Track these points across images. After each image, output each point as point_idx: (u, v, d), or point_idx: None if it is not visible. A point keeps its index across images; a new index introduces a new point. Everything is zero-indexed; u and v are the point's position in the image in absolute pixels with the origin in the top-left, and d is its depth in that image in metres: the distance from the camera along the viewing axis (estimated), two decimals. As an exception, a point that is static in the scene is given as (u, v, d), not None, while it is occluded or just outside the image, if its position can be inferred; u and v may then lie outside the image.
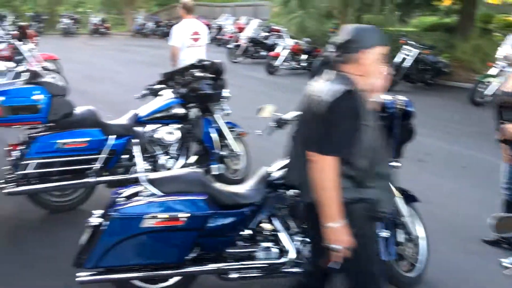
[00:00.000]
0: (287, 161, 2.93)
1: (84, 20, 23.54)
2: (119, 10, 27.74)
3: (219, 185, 2.81)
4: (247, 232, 2.81)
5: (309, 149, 2.06)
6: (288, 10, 14.97)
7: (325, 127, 2.01)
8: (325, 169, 1.99)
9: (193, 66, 4.44)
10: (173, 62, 6.05)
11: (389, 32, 12.54)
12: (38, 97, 3.63)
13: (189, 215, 2.55)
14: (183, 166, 4.25)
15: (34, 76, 3.77)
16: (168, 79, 4.53)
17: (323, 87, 2.10)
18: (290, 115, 3.16)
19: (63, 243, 3.47)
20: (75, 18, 22.64)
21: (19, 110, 3.59)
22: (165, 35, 20.70)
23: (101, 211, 2.64)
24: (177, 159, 4.28)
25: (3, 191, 3.61)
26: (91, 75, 10.64)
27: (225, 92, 4.41)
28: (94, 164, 3.83)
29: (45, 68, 7.78)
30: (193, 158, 4.37)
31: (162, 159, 4.19)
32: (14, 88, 3.70)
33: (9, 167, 3.71)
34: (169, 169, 4.18)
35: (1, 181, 3.68)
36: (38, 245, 3.50)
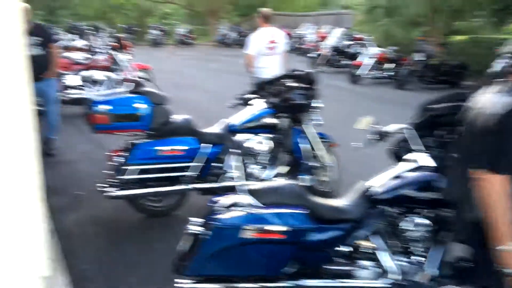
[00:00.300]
0: (386, 175, 2.83)
1: (171, 31, 24.69)
2: (203, 21, 28.78)
3: (317, 199, 2.74)
4: (345, 248, 2.71)
5: (475, 167, 1.93)
6: (373, 18, 14.60)
7: (494, 143, 1.87)
8: (494, 188, 1.85)
9: (285, 76, 4.42)
10: (248, 70, 6.21)
11: (484, 40, 11.81)
12: (141, 106, 3.80)
13: (289, 228, 2.50)
14: (274, 176, 4.24)
15: (137, 86, 3.96)
16: (260, 89, 4.56)
17: (491, 99, 1.95)
18: (392, 127, 3.03)
19: (160, 247, 3.59)
20: (163, 29, 23.78)
21: (123, 118, 3.78)
22: (247, 44, 21.18)
23: (199, 219, 2.67)
24: (267, 169, 4.28)
25: (105, 194, 3.80)
26: (179, 84, 11.07)
27: (317, 102, 4.34)
28: (189, 171, 3.93)
29: (139, 78, 8.22)
30: (282, 169, 4.34)
31: (252, 169, 4.21)
32: (119, 98, 3.90)
33: (110, 171, 3.91)
34: (258, 178, 4.19)
35: (103, 185, 3.89)
36: (137, 248, 3.64)
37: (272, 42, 6.16)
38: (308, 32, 17.65)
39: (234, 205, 2.68)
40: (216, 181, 4.10)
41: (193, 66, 15.36)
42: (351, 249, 2.72)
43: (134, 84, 4.04)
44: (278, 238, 2.52)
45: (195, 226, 2.64)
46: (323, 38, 15.92)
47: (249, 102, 4.40)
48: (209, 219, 2.60)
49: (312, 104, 4.28)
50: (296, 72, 4.38)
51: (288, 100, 4.20)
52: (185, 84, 11.36)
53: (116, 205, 4.17)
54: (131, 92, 3.98)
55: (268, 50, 6.13)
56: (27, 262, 2.48)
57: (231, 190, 4.09)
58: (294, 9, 26.78)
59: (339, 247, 2.69)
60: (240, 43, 21.83)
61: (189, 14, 30.38)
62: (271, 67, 6.14)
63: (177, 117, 4.04)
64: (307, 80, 4.29)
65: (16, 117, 2.32)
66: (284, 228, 2.49)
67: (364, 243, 2.75)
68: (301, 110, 4.25)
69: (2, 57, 2.24)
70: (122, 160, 3.82)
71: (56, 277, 2.66)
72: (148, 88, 3.97)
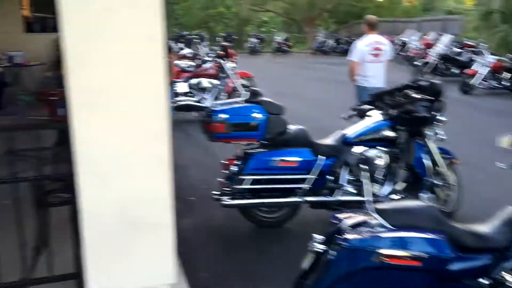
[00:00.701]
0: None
1: (268, 39, 25.05)
2: (300, 29, 28.85)
3: (456, 223, 2.48)
4: (488, 281, 2.42)
5: None
6: (488, 24, 13.52)
7: None
8: None
9: (407, 86, 4.16)
10: (351, 77, 6.21)
11: None
12: (257, 115, 3.78)
13: (426, 255, 2.28)
14: (390, 193, 4.00)
15: (253, 95, 3.94)
16: (377, 100, 4.34)
17: None
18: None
19: (273, 259, 3.53)
20: (261, 37, 24.20)
21: (239, 127, 3.77)
22: (345, 52, 20.87)
23: (322, 237, 2.54)
24: (383, 184, 4.05)
25: (221, 202, 3.82)
26: (279, 91, 11.03)
27: (441, 116, 4.03)
28: (303, 183, 3.83)
29: (243, 85, 8.34)
30: (400, 185, 4.08)
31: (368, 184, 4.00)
32: (236, 107, 3.92)
33: (224, 180, 3.93)
34: (375, 194, 3.98)
35: (218, 193, 3.91)
36: (251, 258, 3.61)
37: (377, 49, 6.13)
38: (412, 39, 16.85)
39: (361, 224, 2.52)
40: (329, 195, 3.96)
41: (291, 74, 15.37)
42: (493, 282, 2.43)
43: (250, 93, 4.01)
44: (413, 265, 2.31)
45: (318, 244, 2.52)
46: (428, 45, 15.13)
47: (366, 114, 4.20)
48: (336, 238, 2.47)
49: (437, 118, 3.97)
50: (419, 83, 4.11)
51: (411, 112, 3.94)
52: (284, 92, 11.33)
53: (227, 213, 4.18)
54: (247, 101, 3.97)
55: (372, 58, 6.09)
56: (156, 269, 2.52)
57: (347, 205, 3.96)
58: (393, 15, 25.86)
59: (482, 279, 2.41)
60: (338, 51, 21.56)
61: (286, 22, 30.63)
62: (375, 75, 6.09)
63: (293, 127, 3.96)
64: (432, 91, 3.99)
65: (155, 125, 2.37)
66: (422, 255, 2.28)
67: (509, 276, 2.44)
68: (424, 123, 3.96)
69: (145, 65, 2.30)
70: (237, 169, 3.82)
71: (181, 284, 2.68)
72: (265, 97, 3.93)
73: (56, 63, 8.34)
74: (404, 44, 17.14)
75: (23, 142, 2.57)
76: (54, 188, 3.19)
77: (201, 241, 3.91)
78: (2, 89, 8.06)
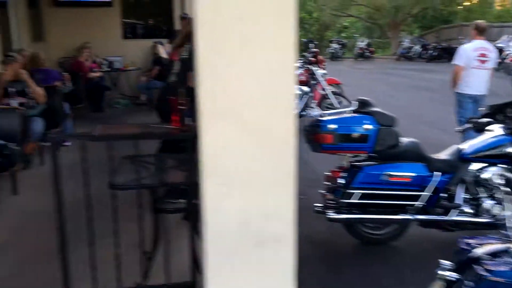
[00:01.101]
0: None
1: (349, 45, 24.57)
2: (382, 34, 28.03)
3: None
4: None
5: None
6: None
7: None
8: None
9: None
10: (453, 82, 6.05)
11: None
12: (368, 126, 3.59)
13: None
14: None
15: (363, 105, 3.76)
16: (496, 112, 3.99)
17: None
18: None
19: (380, 279, 3.35)
20: (343, 43, 23.79)
21: (348, 139, 3.60)
22: (433, 58, 19.98)
23: (451, 263, 2.32)
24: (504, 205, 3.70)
25: (326, 216, 3.67)
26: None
27: None
28: (415, 201, 3.59)
29: (333, 92, 8.16)
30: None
31: (487, 204, 3.67)
32: (346, 117, 3.78)
33: (327, 192, 3.78)
34: (494, 216, 3.64)
35: (320, 205, 3.77)
36: (355, 277, 3.43)
37: (483, 55, 5.95)
38: (510, 45, 15.71)
39: (501, 253, 2.27)
40: (443, 214, 3.69)
41: (376, 81, 14.90)
42: None
43: (359, 102, 3.84)
44: None
45: (448, 271, 2.30)
46: (527, 51, 14.02)
47: (486, 128, 3.87)
48: (474, 267, 2.23)
49: None
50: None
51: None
52: (369, 98, 10.99)
53: (329, 226, 4.02)
54: (356, 111, 3.81)
55: (478, 64, 5.91)
56: (274, 285, 2.43)
57: (461, 226, 3.67)
58: (484, 19, 24.31)
59: None
60: (424, 57, 20.60)
61: (367, 27, 29.90)
62: (478, 82, 5.92)
63: (404, 140, 3.73)
64: None
65: (282, 136, 2.28)
66: None
67: None
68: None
69: (276, 75, 2.23)
70: (344, 182, 3.65)
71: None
72: (375, 108, 3.73)
73: (151, 69, 8.70)
74: (500, 50, 15.97)
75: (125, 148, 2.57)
76: (164, 195, 3.24)
77: (305, 254, 3.76)
78: (103, 93, 8.51)
